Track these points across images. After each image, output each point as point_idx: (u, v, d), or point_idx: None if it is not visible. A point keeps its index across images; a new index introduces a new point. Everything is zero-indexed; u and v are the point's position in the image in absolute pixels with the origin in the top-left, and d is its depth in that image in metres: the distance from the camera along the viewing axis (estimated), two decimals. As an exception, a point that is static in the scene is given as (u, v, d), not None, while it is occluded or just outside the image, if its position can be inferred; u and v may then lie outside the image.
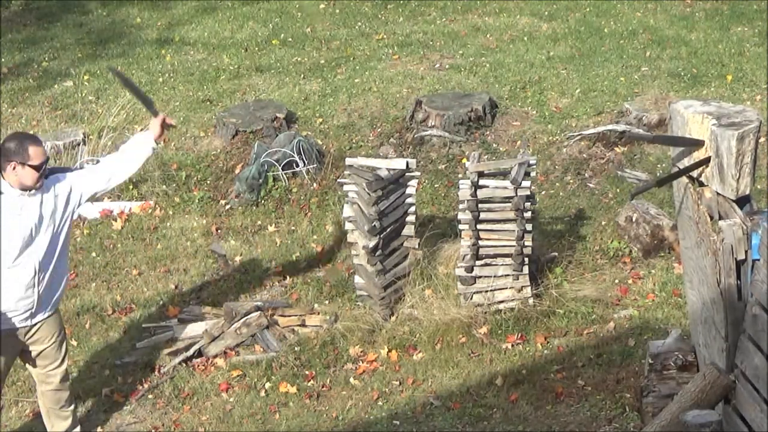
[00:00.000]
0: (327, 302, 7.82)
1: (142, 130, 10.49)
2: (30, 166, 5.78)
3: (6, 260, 5.82)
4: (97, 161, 6.37)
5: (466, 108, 10.09)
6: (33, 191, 5.87)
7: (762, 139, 8.90)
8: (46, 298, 6.02)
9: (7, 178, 5.82)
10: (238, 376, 7.14)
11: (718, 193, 4.73)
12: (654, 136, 5.17)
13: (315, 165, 9.53)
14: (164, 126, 6.35)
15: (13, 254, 5.84)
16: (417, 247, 7.70)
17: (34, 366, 6.21)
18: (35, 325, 6.05)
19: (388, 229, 7.49)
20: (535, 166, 7.46)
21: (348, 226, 7.62)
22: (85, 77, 12.05)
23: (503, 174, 7.38)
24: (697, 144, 4.68)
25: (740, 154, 4.52)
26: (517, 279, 7.49)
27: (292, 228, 8.89)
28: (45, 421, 6.40)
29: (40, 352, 6.15)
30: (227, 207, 9.28)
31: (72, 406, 6.41)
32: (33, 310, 5.98)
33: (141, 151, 6.30)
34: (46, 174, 5.94)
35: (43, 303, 6.01)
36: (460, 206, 7.40)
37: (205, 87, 11.62)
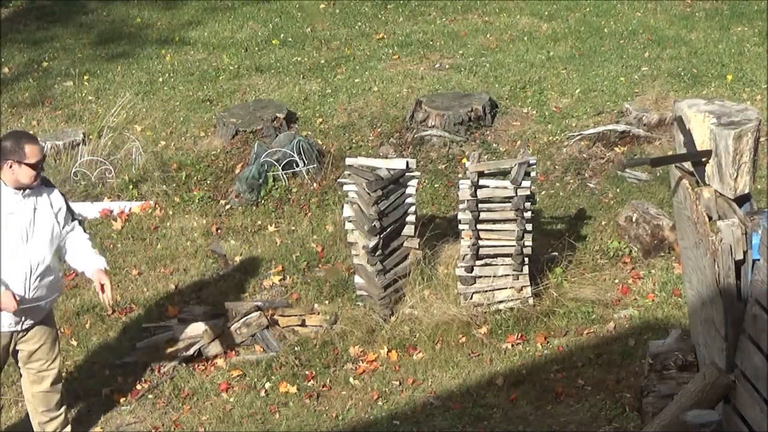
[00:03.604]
0: (327, 302, 7.82)
1: (142, 130, 10.51)
2: (26, 164, 5.79)
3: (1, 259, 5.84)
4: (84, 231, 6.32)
5: (466, 108, 10.09)
6: (28, 192, 5.88)
7: (762, 139, 8.91)
8: (37, 304, 6.02)
9: (3, 177, 5.83)
10: (238, 376, 7.14)
11: (718, 193, 4.73)
12: (652, 160, 5.12)
13: (315, 165, 9.53)
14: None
15: (7, 254, 5.84)
16: (417, 247, 7.70)
17: (27, 365, 6.20)
18: (26, 329, 6.06)
19: (388, 229, 7.49)
20: (535, 166, 7.46)
21: (348, 226, 7.62)
22: (85, 77, 12.06)
23: (503, 174, 7.38)
24: (706, 155, 4.65)
25: (738, 153, 4.51)
26: (517, 279, 7.49)
27: (292, 228, 8.89)
28: (33, 423, 6.36)
29: (33, 352, 6.15)
30: (227, 207, 9.28)
31: (63, 408, 6.38)
32: (24, 314, 5.98)
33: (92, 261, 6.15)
34: (42, 181, 5.96)
35: (34, 308, 6.01)
36: (460, 206, 7.40)
37: (205, 87, 11.62)
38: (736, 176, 4.55)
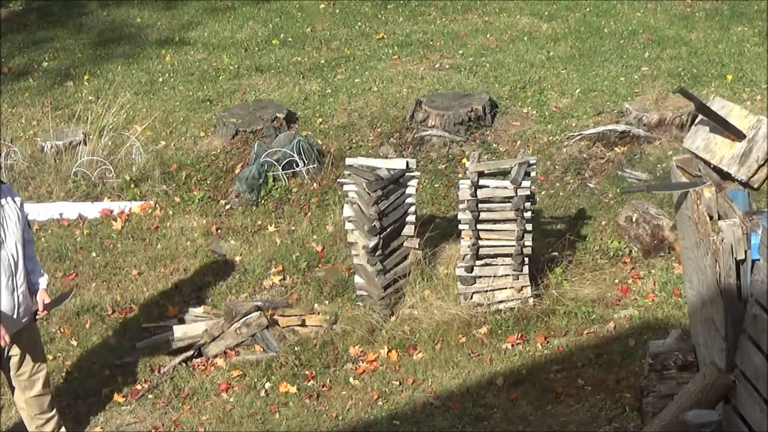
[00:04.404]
0: (327, 302, 7.82)
1: (142, 130, 10.51)
2: None
3: None
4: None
5: (466, 108, 10.09)
6: None
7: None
8: (25, 301, 6.07)
9: None
10: (238, 376, 7.14)
11: (726, 178, 4.76)
12: (649, 186, 5.14)
13: (315, 165, 9.53)
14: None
15: None
16: (417, 247, 7.70)
17: (18, 373, 6.23)
18: (21, 330, 6.09)
19: (388, 229, 7.49)
20: (535, 166, 7.46)
21: (348, 226, 7.62)
22: (85, 77, 12.06)
23: (503, 174, 7.38)
24: (740, 135, 4.70)
25: None
26: (517, 279, 7.49)
27: (292, 228, 8.89)
28: (29, 428, 6.39)
29: (25, 355, 6.18)
30: (227, 207, 9.28)
31: (54, 410, 6.43)
32: (17, 313, 6.01)
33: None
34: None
35: (24, 306, 6.06)
36: (460, 206, 7.40)
37: (205, 87, 11.62)
38: (762, 165, 4.60)
